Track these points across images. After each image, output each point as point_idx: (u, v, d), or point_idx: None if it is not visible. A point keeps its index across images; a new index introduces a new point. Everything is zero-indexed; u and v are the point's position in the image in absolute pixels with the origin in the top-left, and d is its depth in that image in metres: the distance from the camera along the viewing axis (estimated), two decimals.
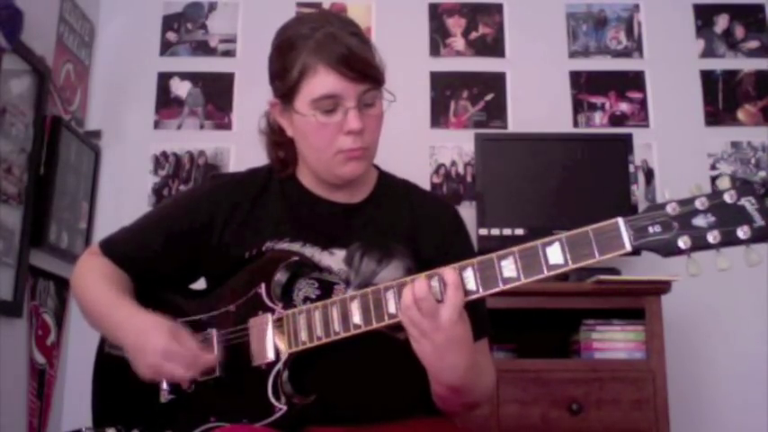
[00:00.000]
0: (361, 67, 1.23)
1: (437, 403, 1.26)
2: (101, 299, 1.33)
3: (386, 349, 1.27)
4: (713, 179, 2.69)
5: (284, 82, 1.26)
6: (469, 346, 1.12)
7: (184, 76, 2.83)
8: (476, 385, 1.21)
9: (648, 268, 2.13)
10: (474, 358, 1.14)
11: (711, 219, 0.96)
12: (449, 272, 1.07)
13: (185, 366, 1.20)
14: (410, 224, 1.35)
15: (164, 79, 2.83)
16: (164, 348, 1.19)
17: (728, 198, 0.96)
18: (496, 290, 1.07)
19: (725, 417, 2.52)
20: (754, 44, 2.83)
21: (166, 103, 2.81)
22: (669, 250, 0.99)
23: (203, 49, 2.87)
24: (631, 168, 2.48)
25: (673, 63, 2.82)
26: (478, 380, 1.21)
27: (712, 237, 0.96)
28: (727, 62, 2.81)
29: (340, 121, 1.24)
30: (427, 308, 1.06)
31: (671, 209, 0.99)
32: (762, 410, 2.47)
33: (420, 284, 1.07)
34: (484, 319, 1.34)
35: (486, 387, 1.27)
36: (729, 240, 0.95)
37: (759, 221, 0.94)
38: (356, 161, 1.28)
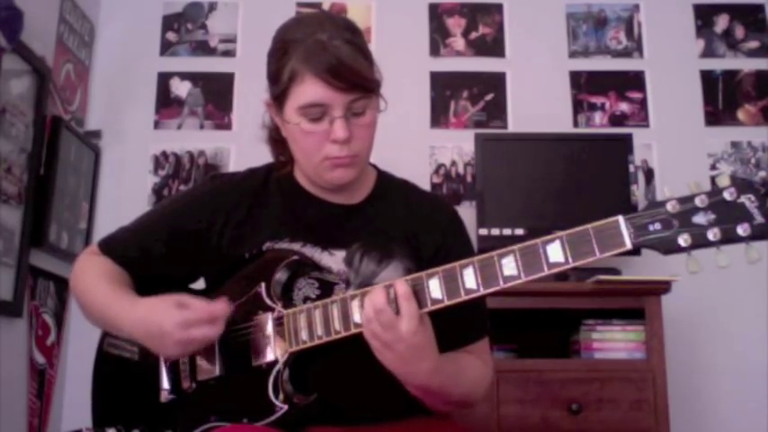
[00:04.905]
0: (350, 77, 1.20)
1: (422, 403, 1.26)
2: (101, 294, 1.32)
3: None
4: (713, 179, 2.69)
5: (276, 85, 1.26)
6: (433, 350, 1.13)
7: (184, 76, 2.83)
8: (452, 385, 1.20)
9: (649, 268, 2.13)
10: (440, 361, 1.14)
11: (711, 216, 0.96)
12: (400, 283, 1.09)
13: (209, 325, 1.19)
14: (410, 224, 1.35)
15: (164, 79, 2.83)
16: (180, 320, 1.18)
17: (728, 195, 0.96)
18: (497, 288, 1.07)
19: (725, 417, 2.52)
20: (754, 44, 2.83)
21: (166, 103, 2.81)
22: (669, 248, 0.98)
23: (203, 49, 2.87)
24: (631, 168, 2.48)
25: (673, 63, 2.82)
26: (455, 380, 1.20)
27: (712, 234, 0.96)
28: (727, 62, 2.81)
29: (326, 130, 1.23)
30: (386, 320, 1.08)
31: (671, 206, 0.98)
32: (762, 410, 2.47)
33: (378, 296, 1.09)
34: (483, 319, 1.34)
35: (472, 385, 1.26)
36: (729, 238, 0.95)
37: (759, 219, 0.94)
38: (344, 168, 1.27)
